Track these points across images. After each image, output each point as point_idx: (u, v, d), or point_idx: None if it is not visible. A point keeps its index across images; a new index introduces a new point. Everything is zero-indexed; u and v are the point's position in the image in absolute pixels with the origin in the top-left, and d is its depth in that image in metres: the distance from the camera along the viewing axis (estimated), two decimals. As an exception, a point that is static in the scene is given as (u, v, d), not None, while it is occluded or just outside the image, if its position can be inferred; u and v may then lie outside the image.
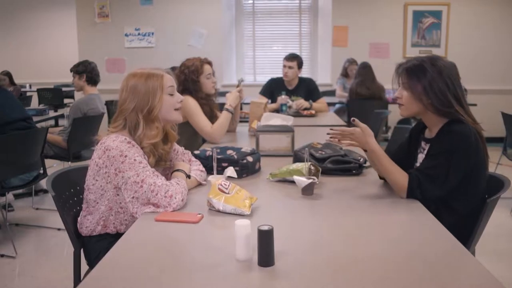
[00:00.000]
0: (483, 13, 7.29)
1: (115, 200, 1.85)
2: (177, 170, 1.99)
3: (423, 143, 2.03)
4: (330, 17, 7.46)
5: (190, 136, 3.30)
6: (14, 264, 3.26)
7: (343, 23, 7.40)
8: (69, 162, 4.28)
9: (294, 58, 4.74)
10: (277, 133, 2.80)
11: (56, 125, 5.89)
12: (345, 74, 6.87)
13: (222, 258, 1.35)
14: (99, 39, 7.51)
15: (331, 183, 2.13)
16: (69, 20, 8.76)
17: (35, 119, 4.50)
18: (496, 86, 7.43)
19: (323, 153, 2.33)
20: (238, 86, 3.44)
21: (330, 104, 5.70)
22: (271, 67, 7.60)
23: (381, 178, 2.13)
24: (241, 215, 1.68)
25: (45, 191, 4.67)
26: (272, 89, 4.82)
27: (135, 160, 1.77)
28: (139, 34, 7.50)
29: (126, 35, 7.51)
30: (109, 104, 5.53)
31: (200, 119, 3.22)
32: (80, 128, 4.22)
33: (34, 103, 7.64)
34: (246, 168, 2.26)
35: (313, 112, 4.50)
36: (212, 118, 3.33)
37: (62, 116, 5.87)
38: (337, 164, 2.27)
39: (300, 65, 4.78)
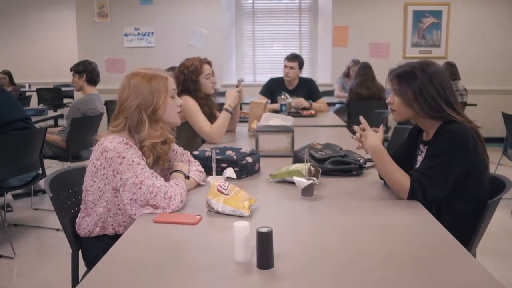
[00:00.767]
0: (483, 13, 7.28)
1: (113, 202, 1.83)
2: (176, 171, 1.98)
3: (421, 146, 2.02)
4: (330, 17, 7.45)
5: (189, 137, 3.29)
6: (12, 264, 3.25)
7: (343, 23, 7.39)
8: (68, 162, 4.27)
9: (295, 59, 4.73)
10: (276, 134, 2.79)
11: (56, 125, 5.88)
12: (347, 74, 6.86)
13: (221, 260, 1.34)
14: (98, 39, 7.50)
15: (331, 184, 2.12)
16: (69, 19, 8.75)
17: (34, 119, 4.49)
18: (496, 86, 7.43)
19: (323, 153, 2.32)
20: (237, 86, 3.43)
21: (330, 104, 5.69)
22: (271, 67, 7.59)
23: (381, 178, 2.12)
24: (240, 217, 1.67)
25: (44, 192, 4.65)
26: (272, 89, 4.81)
27: (133, 161, 1.76)
28: (138, 34, 7.49)
29: (125, 35, 7.50)
30: (109, 104, 5.53)
31: (199, 119, 3.21)
32: (79, 128, 4.22)
33: (34, 103, 7.64)
34: (246, 169, 2.25)
35: (313, 112, 4.50)
36: (212, 118, 3.32)
37: (61, 116, 5.87)
38: (337, 165, 2.26)
39: (301, 65, 4.77)
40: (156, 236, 1.56)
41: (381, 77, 5.85)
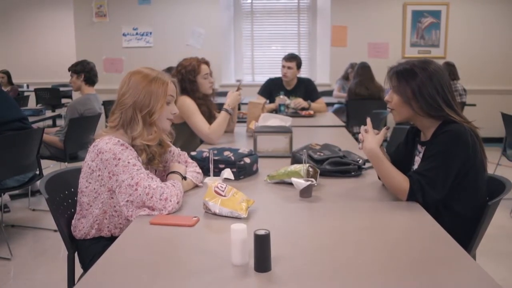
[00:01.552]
0: (483, 13, 7.27)
1: (109, 203, 1.82)
2: (173, 172, 1.96)
3: (419, 146, 2.01)
4: (329, 17, 7.44)
5: (187, 137, 3.27)
6: (9, 266, 3.23)
7: (342, 23, 7.39)
8: (66, 163, 4.25)
9: (293, 59, 4.72)
10: (275, 134, 2.78)
11: (54, 125, 5.86)
12: (346, 77, 6.85)
13: (217, 263, 1.33)
14: (96, 39, 7.48)
15: (330, 185, 2.10)
16: (67, 19, 8.74)
17: (32, 119, 4.47)
18: (495, 86, 7.42)
19: (322, 154, 2.30)
20: (238, 89, 3.42)
21: (329, 105, 5.68)
22: (270, 67, 7.58)
23: (380, 179, 2.10)
24: (237, 218, 1.66)
25: (42, 192, 4.63)
26: (271, 89, 4.79)
27: (128, 162, 1.74)
28: (137, 33, 7.48)
29: (124, 34, 7.48)
30: (107, 104, 5.51)
31: (197, 120, 3.19)
32: (76, 129, 4.20)
33: (32, 103, 7.62)
34: (244, 170, 2.23)
35: (311, 112, 4.48)
36: (211, 118, 3.30)
37: (59, 116, 5.85)
38: (336, 166, 2.24)
39: (299, 65, 4.76)
40: (152, 238, 1.55)
41: (380, 77, 5.84)
